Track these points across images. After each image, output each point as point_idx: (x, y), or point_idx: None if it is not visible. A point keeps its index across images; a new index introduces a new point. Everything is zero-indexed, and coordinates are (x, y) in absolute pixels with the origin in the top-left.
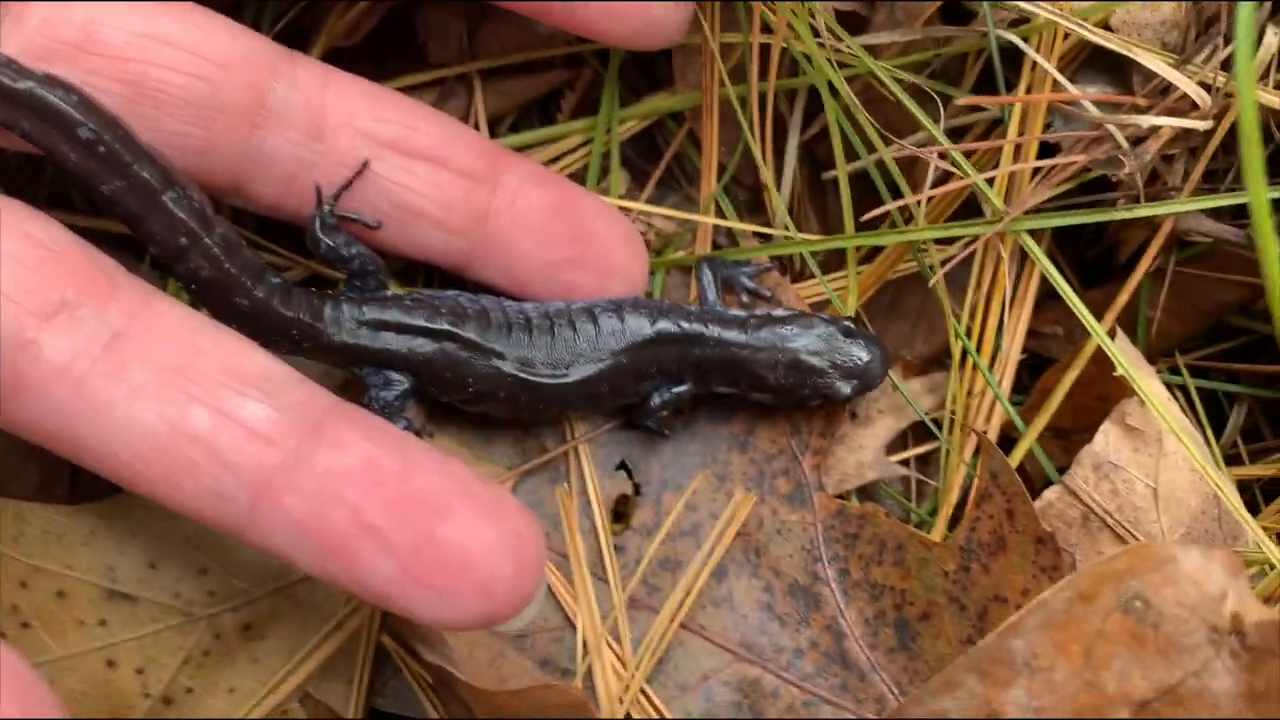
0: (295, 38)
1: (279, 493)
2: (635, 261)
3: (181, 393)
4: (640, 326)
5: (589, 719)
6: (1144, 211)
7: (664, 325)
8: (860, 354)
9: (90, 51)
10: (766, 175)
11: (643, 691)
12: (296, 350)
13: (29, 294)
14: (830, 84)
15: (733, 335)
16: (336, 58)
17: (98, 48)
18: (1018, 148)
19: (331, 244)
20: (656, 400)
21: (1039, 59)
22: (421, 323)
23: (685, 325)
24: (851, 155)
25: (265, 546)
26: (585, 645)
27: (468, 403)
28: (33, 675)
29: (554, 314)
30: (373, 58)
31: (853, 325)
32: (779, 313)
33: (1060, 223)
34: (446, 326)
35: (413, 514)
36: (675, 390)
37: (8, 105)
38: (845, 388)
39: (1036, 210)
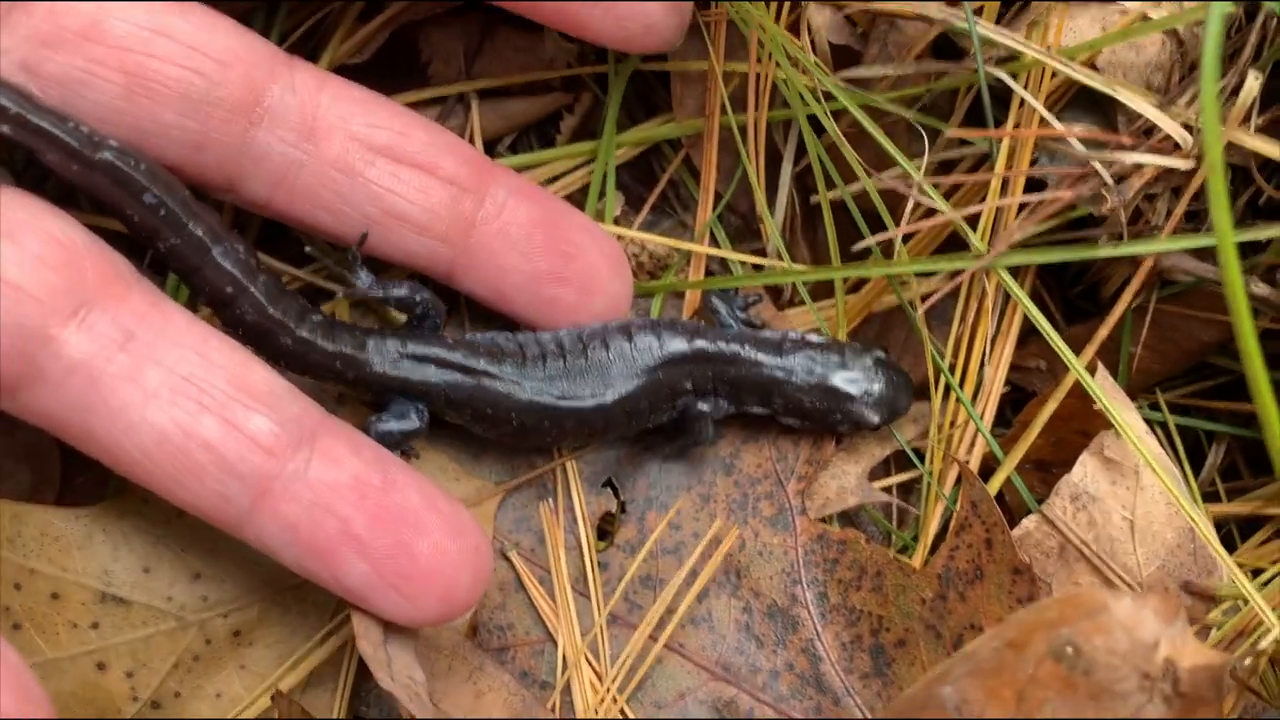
0: (303, 55)
1: (277, 499)
2: (618, 280)
3: (194, 401)
4: (677, 344)
5: None
6: (1125, 250)
7: (701, 343)
8: (890, 385)
9: (94, 41)
10: (761, 203)
11: (621, 708)
12: (341, 381)
13: (53, 293)
14: (818, 116)
15: (768, 357)
16: (342, 74)
17: (101, 38)
18: (1005, 182)
19: (400, 291)
20: (701, 406)
21: (1027, 96)
22: (459, 359)
23: (722, 345)
24: (845, 182)
25: (255, 543)
26: (565, 660)
27: (513, 437)
28: (31, 676)
29: (587, 336)
30: (377, 75)
31: (885, 356)
32: (814, 339)
33: (1042, 259)
34: (485, 366)
35: (391, 527)
36: (718, 401)
37: (87, 173)
38: (874, 416)
39: (1023, 244)
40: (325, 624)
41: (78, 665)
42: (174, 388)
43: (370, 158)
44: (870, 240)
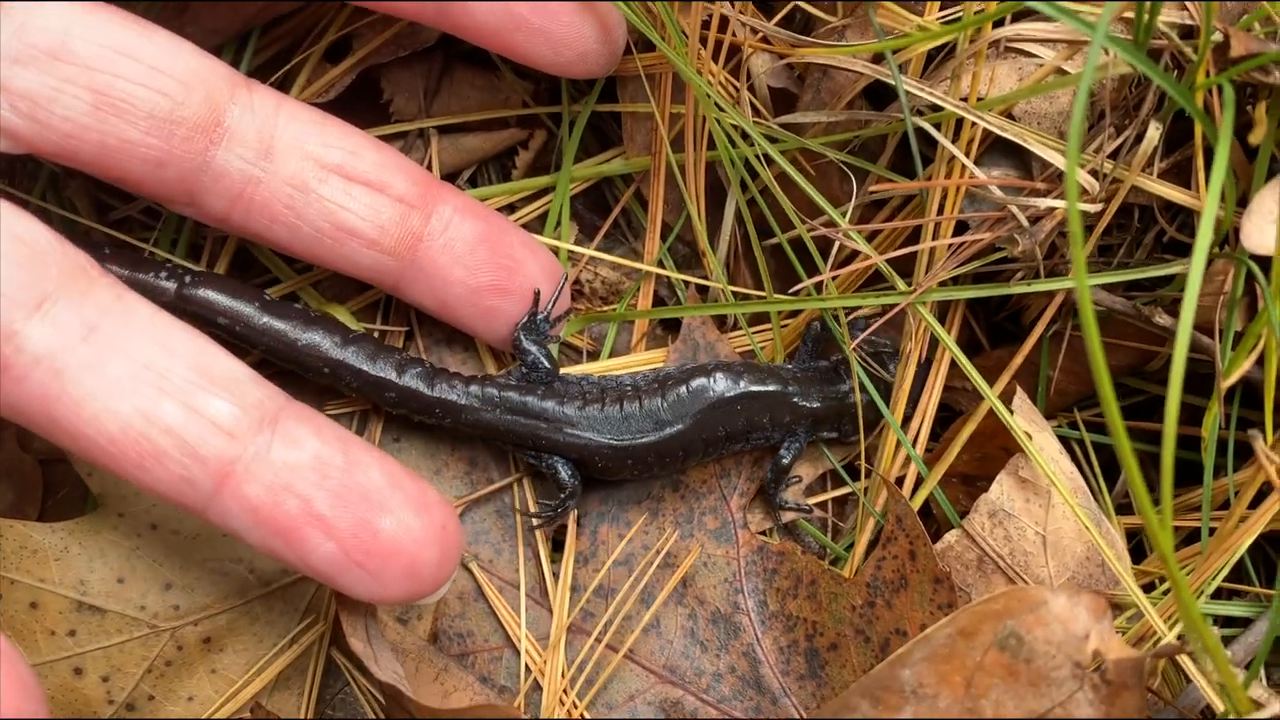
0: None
1: (240, 482)
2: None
3: (155, 388)
4: (747, 383)
5: None
6: (1040, 287)
7: (773, 386)
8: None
9: (62, 60)
10: (703, 238)
11: (576, 710)
12: (441, 425)
13: (18, 288)
14: (750, 159)
15: (834, 387)
16: None
17: (70, 57)
18: (934, 224)
19: (532, 351)
20: (786, 458)
21: (950, 146)
22: (551, 406)
23: (791, 383)
24: (782, 222)
25: (220, 525)
26: (521, 664)
27: (602, 474)
28: (33, 676)
29: (664, 377)
30: (341, 111)
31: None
32: (882, 345)
33: (960, 295)
34: (565, 413)
35: (354, 506)
36: (797, 444)
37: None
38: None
39: (953, 278)
40: (290, 630)
41: (56, 670)
42: (135, 376)
43: (323, 175)
44: (805, 284)
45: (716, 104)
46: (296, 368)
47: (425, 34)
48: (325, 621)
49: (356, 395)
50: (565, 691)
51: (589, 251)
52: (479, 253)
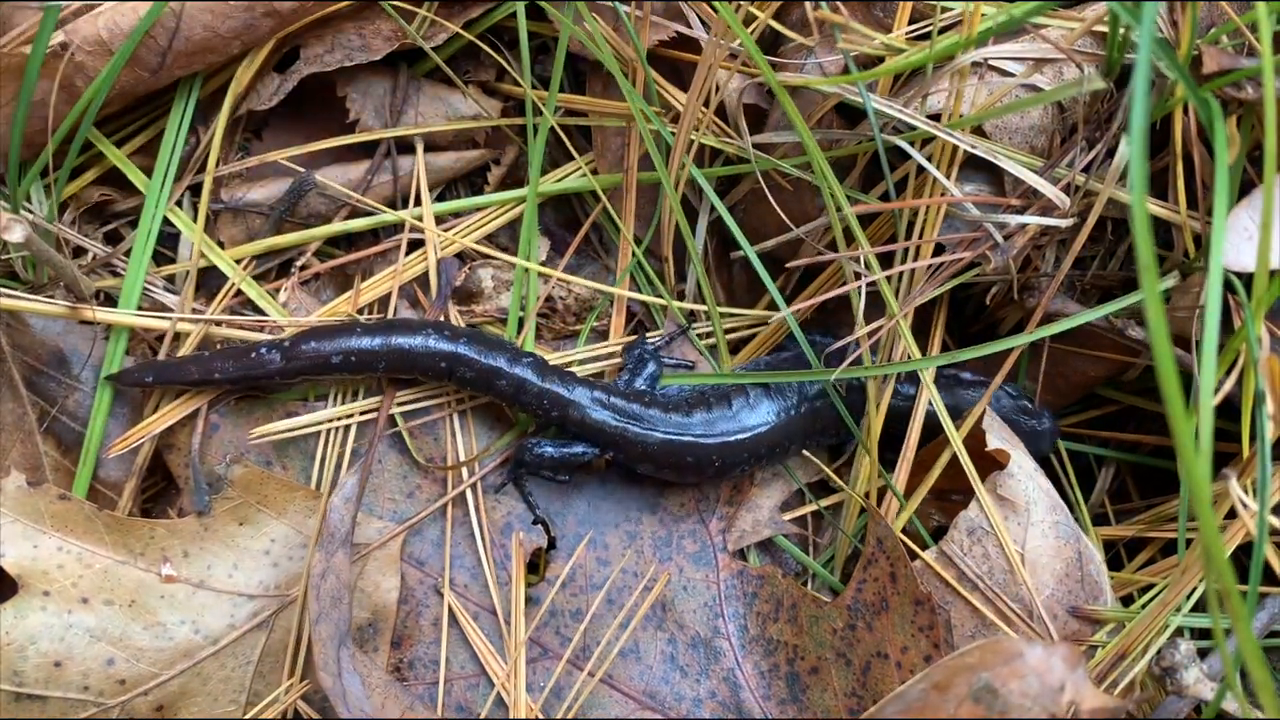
0: (217, 97)
1: None
2: None
3: None
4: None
5: None
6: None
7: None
8: (1036, 423)
9: None
10: (697, 258)
11: None
12: (549, 419)
13: None
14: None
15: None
16: (257, 120)
17: None
18: (912, 231)
19: (633, 365)
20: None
21: (925, 163)
22: (656, 414)
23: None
24: (759, 231)
25: None
26: (498, 692)
27: (718, 474)
28: None
29: (733, 388)
30: (301, 121)
31: (1029, 404)
32: (965, 376)
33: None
34: (664, 417)
35: None
36: None
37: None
38: None
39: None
40: (247, 684)
41: None
42: None
43: None
44: (785, 311)
45: (648, 119)
46: (414, 371)
47: (374, 45)
48: (284, 670)
49: (471, 387)
50: (539, 718)
51: (557, 274)
52: None
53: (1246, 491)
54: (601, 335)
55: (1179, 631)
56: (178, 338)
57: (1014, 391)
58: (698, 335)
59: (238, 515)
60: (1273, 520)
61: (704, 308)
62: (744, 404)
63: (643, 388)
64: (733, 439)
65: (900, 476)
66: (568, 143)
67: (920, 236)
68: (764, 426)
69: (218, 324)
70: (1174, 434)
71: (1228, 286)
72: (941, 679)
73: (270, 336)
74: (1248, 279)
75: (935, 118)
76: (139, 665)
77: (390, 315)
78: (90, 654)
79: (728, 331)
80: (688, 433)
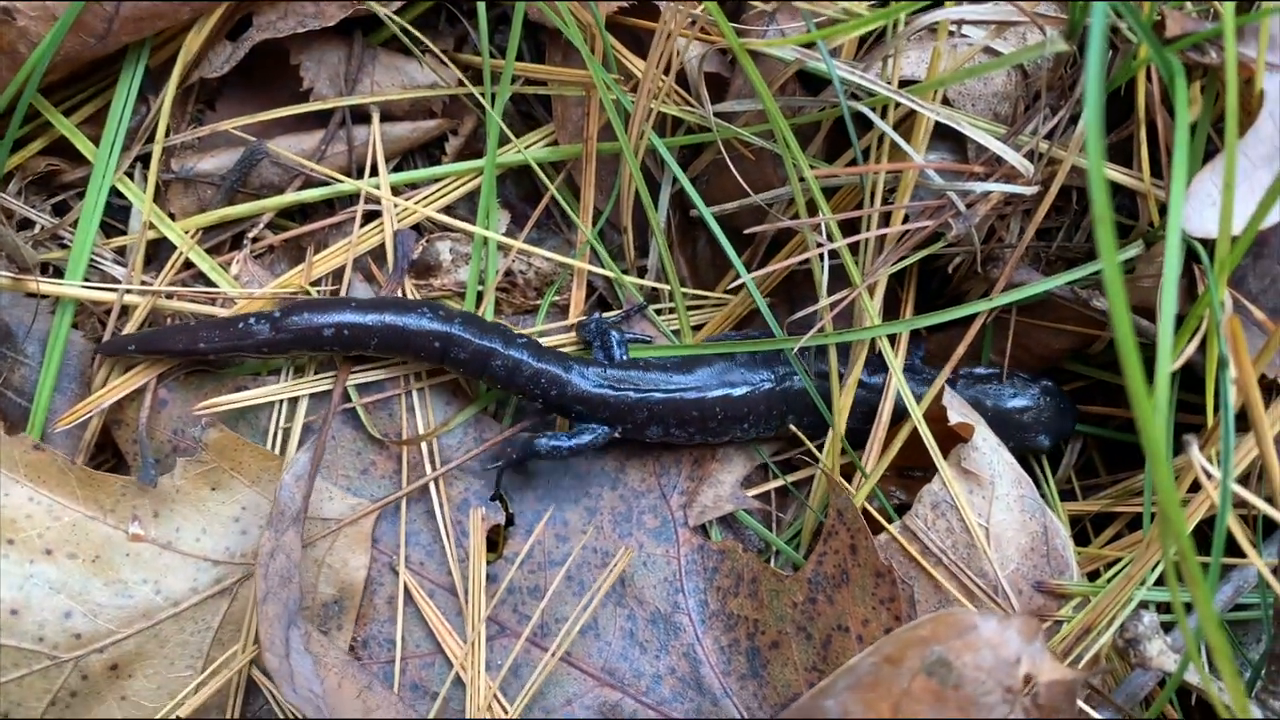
0: (168, 65)
1: None
2: None
3: None
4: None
5: None
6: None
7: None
8: (1057, 411)
9: None
10: (626, 228)
11: (510, 715)
12: (546, 399)
13: None
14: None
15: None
16: (209, 88)
17: None
18: (876, 202)
19: (596, 342)
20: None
21: (888, 130)
22: (656, 376)
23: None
24: (721, 200)
25: None
26: (454, 670)
27: (720, 427)
28: None
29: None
30: (255, 91)
31: (1050, 385)
32: (979, 371)
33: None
34: (678, 380)
35: None
36: None
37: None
38: (1045, 441)
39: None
40: (205, 650)
41: None
42: None
43: None
44: (745, 277)
45: (609, 87)
46: (407, 351)
47: (328, 11)
48: (243, 638)
49: (464, 369)
50: (497, 696)
51: (517, 244)
52: None
53: (1211, 461)
54: (562, 310)
55: (1144, 605)
56: (125, 311)
57: (1025, 375)
58: (662, 310)
59: (210, 480)
60: (1240, 491)
61: (666, 286)
62: (733, 365)
63: (626, 357)
64: (735, 392)
65: (870, 456)
66: (530, 113)
67: (883, 204)
68: (765, 383)
69: (167, 296)
70: (1131, 396)
71: (1192, 255)
72: (893, 652)
73: (224, 310)
74: (1212, 246)
75: (902, 86)
76: (96, 621)
77: (344, 289)
78: (48, 605)
79: (690, 308)
80: (689, 388)
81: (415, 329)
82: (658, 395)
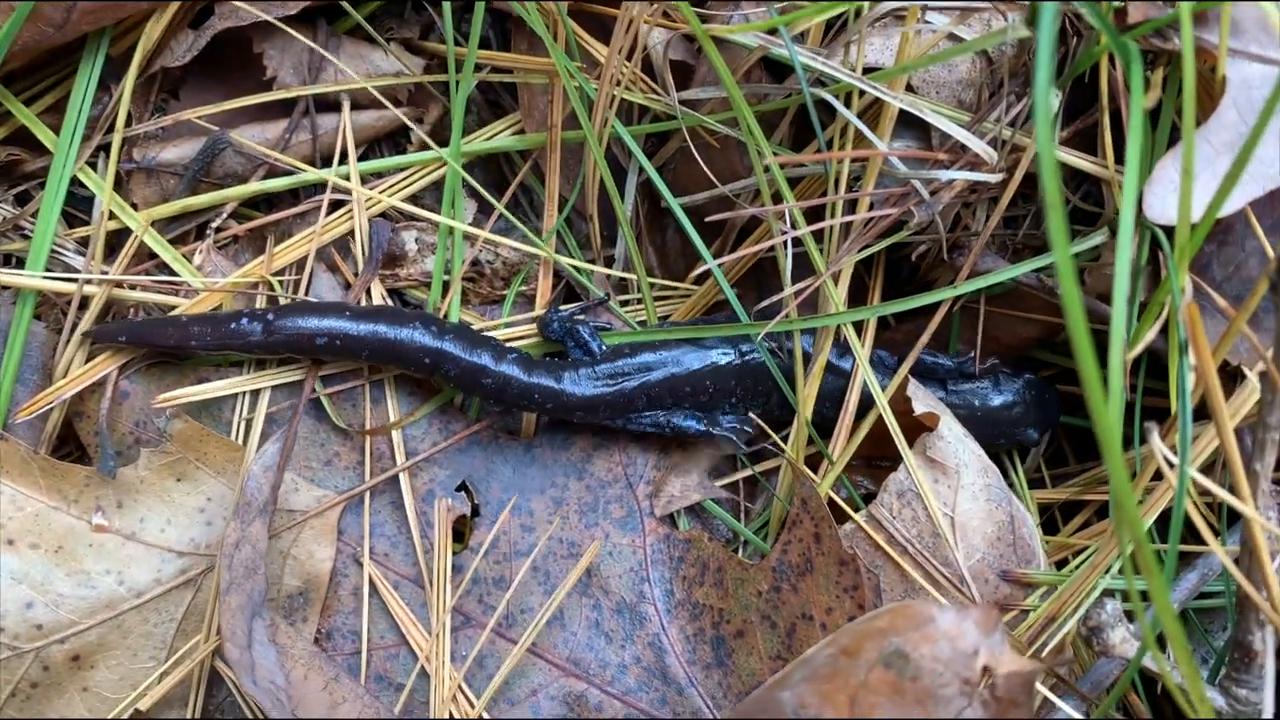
0: (130, 54)
1: None
2: None
3: None
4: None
5: None
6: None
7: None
8: (1042, 404)
9: None
10: (592, 215)
11: (474, 706)
12: (544, 413)
13: None
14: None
15: (942, 395)
16: (170, 77)
17: None
18: (839, 191)
19: (567, 340)
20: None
21: (852, 118)
22: (649, 357)
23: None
24: (689, 189)
25: None
26: (419, 662)
27: (714, 398)
28: None
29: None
30: (219, 81)
31: (1033, 378)
32: (953, 362)
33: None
34: (668, 354)
35: None
36: None
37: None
38: (1034, 433)
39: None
40: (168, 642)
41: None
42: None
43: None
44: (711, 264)
45: (571, 75)
46: (397, 364)
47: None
48: (205, 629)
49: (454, 384)
50: (462, 688)
51: (484, 234)
52: None
53: (1175, 451)
54: (530, 301)
55: (1108, 593)
56: (85, 302)
57: (1007, 371)
58: (629, 301)
59: (175, 471)
60: (1201, 480)
61: (633, 276)
62: (719, 342)
63: (605, 348)
64: (724, 363)
65: (836, 445)
66: (497, 102)
67: (848, 192)
68: (751, 357)
69: (129, 287)
70: (1084, 383)
71: (1154, 242)
72: (850, 644)
73: (188, 300)
74: (1174, 232)
75: (866, 73)
76: (58, 612)
77: (305, 280)
78: (9, 596)
79: (658, 299)
80: (682, 363)
81: (407, 343)
82: (656, 377)
